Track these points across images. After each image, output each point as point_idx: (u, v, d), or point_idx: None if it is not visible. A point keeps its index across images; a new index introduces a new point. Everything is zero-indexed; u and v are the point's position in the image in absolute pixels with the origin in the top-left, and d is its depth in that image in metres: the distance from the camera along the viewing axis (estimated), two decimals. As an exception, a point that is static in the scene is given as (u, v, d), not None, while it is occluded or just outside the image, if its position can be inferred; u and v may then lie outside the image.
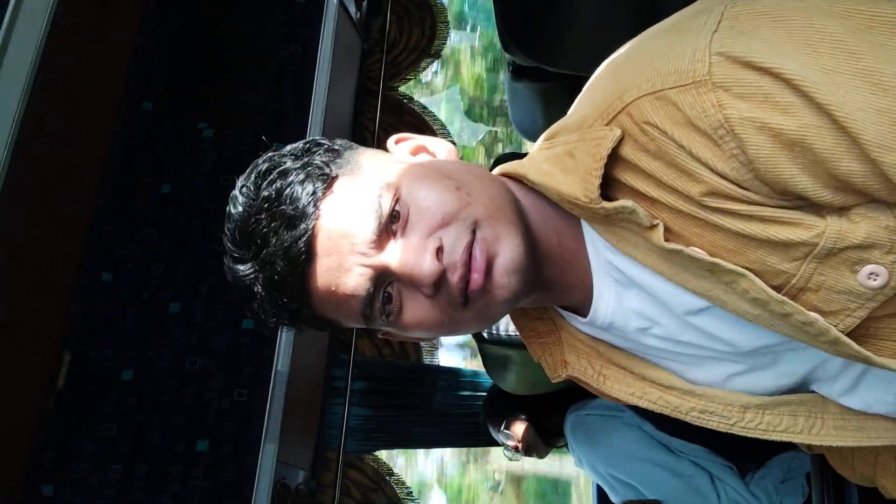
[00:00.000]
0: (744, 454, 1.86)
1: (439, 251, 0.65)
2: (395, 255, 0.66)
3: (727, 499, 1.83)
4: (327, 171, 0.68)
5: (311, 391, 2.54)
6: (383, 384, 2.71)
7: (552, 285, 0.73)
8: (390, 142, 0.79)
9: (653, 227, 0.62)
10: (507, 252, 0.66)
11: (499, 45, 1.84)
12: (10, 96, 1.88)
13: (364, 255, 0.66)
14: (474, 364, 3.01)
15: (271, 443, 2.14)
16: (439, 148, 0.77)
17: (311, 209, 0.66)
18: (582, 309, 0.75)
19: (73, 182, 2.22)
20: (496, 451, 3.17)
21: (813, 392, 0.72)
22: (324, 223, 0.66)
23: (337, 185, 0.68)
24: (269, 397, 2.16)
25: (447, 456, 3.56)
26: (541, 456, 2.33)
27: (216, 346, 2.21)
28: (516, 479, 3.80)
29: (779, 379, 0.71)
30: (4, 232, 1.84)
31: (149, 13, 2.55)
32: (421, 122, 2.99)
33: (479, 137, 4.19)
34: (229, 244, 0.70)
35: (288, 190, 0.67)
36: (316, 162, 0.69)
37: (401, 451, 3.02)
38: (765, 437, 0.72)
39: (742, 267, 0.59)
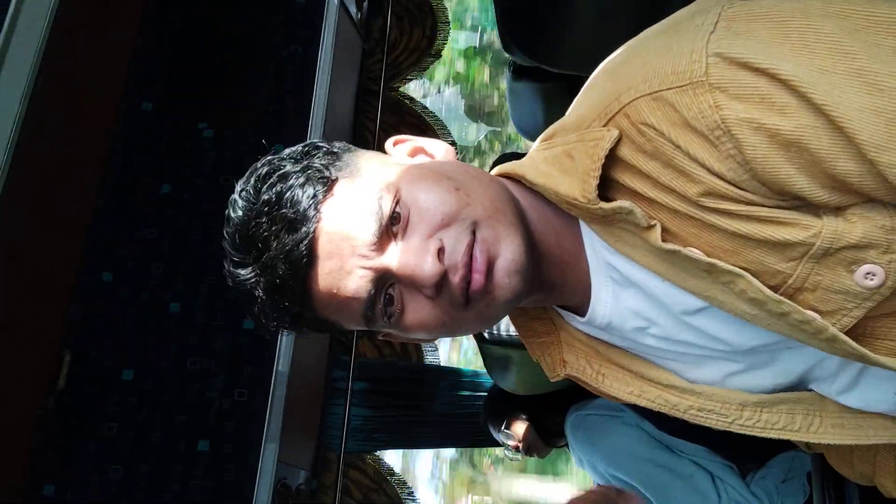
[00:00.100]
0: (744, 454, 1.85)
1: (440, 252, 0.65)
2: (396, 256, 0.66)
3: (728, 498, 1.83)
4: (327, 173, 0.68)
5: (312, 391, 2.54)
6: (384, 385, 2.71)
7: (551, 285, 0.73)
8: (388, 144, 0.79)
9: (650, 227, 0.62)
10: (508, 253, 0.66)
11: (499, 44, 1.83)
12: (10, 96, 1.88)
13: (365, 258, 0.66)
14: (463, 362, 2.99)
15: (272, 443, 2.14)
16: (437, 149, 0.77)
17: (311, 212, 0.66)
18: (580, 309, 0.75)
19: (73, 182, 2.22)
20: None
21: (811, 390, 0.72)
22: (324, 226, 0.66)
23: (337, 188, 0.68)
24: (270, 397, 2.16)
25: (445, 454, 3.56)
26: (541, 456, 2.33)
27: (217, 346, 2.21)
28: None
29: (776, 377, 0.71)
30: (5, 232, 1.85)
31: (149, 13, 2.55)
32: (422, 123, 2.98)
33: (479, 137, 4.19)
34: (229, 248, 0.70)
35: (288, 193, 0.66)
36: (315, 165, 0.69)
37: (401, 450, 3.02)
38: (763, 434, 0.72)
39: (739, 267, 0.59)
